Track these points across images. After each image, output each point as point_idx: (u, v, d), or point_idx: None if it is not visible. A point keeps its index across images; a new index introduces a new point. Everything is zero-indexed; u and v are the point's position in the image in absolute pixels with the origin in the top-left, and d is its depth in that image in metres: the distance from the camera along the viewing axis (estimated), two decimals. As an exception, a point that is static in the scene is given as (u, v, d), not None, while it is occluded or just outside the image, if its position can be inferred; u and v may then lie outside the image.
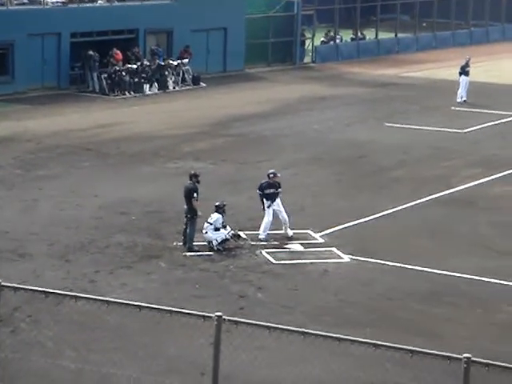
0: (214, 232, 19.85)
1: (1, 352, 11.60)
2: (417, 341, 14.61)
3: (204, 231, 19.96)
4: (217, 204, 20.28)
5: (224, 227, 19.93)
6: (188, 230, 19.80)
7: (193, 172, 20.51)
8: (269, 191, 20.84)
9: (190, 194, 19.89)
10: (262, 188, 20.89)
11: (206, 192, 20.67)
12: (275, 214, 20.77)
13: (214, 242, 19.73)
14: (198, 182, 20.18)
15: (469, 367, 9.89)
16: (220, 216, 20.02)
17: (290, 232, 20.87)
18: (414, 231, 21.78)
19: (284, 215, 20.82)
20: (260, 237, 20.58)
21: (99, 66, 38.85)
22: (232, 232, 19.98)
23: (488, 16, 58.87)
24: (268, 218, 20.72)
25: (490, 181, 26.50)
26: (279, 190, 20.96)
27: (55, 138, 30.36)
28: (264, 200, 20.81)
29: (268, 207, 20.73)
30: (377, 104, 38.09)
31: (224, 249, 19.74)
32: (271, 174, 21.09)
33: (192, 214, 19.79)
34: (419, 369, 11.64)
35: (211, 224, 19.88)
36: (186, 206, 19.97)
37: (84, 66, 39.22)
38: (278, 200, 20.90)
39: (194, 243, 19.79)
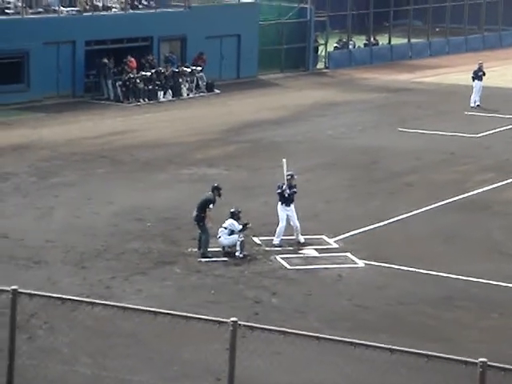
0: (227, 236, 19.94)
1: (17, 359, 11.70)
2: (431, 345, 14.60)
3: (218, 236, 20.06)
4: (232, 210, 20.38)
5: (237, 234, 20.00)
6: (203, 237, 19.90)
7: (216, 184, 20.55)
8: (287, 193, 20.85)
9: (205, 205, 19.97)
10: (279, 188, 20.89)
11: (220, 198, 20.74)
12: (288, 220, 20.82)
13: (237, 253, 19.77)
14: (220, 195, 20.28)
15: (485, 371, 9.92)
16: (235, 222, 20.11)
17: (302, 238, 20.92)
18: (428, 236, 21.80)
19: (296, 222, 20.86)
20: (274, 242, 20.66)
21: (114, 73, 39.05)
22: (241, 227, 19.99)
23: (501, 21, 58.78)
24: (282, 223, 20.79)
25: (503, 185, 26.50)
26: (294, 190, 20.94)
27: (70, 146, 30.53)
28: (279, 203, 20.84)
29: (280, 209, 20.76)
30: (390, 109, 38.12)
31: (246, 254, 19.77)
32: (289, 175, 21.07)
33: (202, 222, 19.87)
34: (434, 373, 11.67)
35: (225, 229, 19.98)
36: (195, 213, 20.05)
37: (99, 73, 39.42)
38: (292, 206, 20.95)
39: (209, 249, 19.88)
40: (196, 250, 20.02)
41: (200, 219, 19.97)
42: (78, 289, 17.63)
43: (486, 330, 16.49)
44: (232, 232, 19.95)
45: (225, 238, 20.01)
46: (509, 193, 25.84)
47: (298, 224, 20.89)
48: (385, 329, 16.24)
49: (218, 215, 20.21)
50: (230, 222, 20.06)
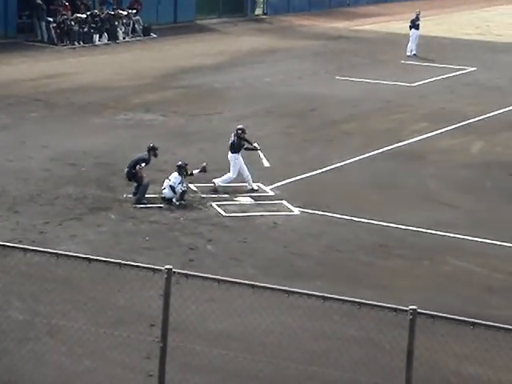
0: (171, 191, 19.70)
1: None
2: (365, 292, 14.82)
3: (163, 187, 19.80)
4: (178, 164, 20.03)
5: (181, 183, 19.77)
6: (140, 187, 19.68)
7: (151, 145, 20.23)
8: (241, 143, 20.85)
9: (137, 162, 19.75)
10: (238, 147, 20.78)
11: (156, 144, 20.55)
12: (240, 171, 20.67)
13: (174, 199, 19.63)
14: (156, 155, 20.05)
15: (415, 318, 10.07)
16: (178, 176, 19.82)
17: (255, 185, 20.84)
18: (363, 185, 21.97)
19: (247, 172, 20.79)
20: (218, 183, 20.61)
21: (47, 14, 38.22)
22: (194, 172, 19.97)
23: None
24: (233, 175, 20.68)
25: (437, 134, 26.78)
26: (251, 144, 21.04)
27: (3, 88, 29.90)
28: (231, 152, 20.75)
29: (240, 160, 20.65)
30: (328, 57, 38.10)
31: (184, 201, 19.65)
32: (240, 129, 21.05)
33: (134, 178, 19.67)
34: (367, 320, 11.83)
35: (170, 180, 19.72)
36: (126, 169, 19.83)
37: (32, 14, 38.56)
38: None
39: (145, 195, 19.74)
40: (131, 195, 19.86)
41: (131, 175, 19.78)
42: (10, 234, 17.40)
43: (418, 278, 16.76)
44: (173, 188, 19.72)
45: (169, 191, 19.76)
46: (443, 142, 26.13)
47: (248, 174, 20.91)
48: (320, 276, 16.39)
49: (158, 164, 19.98)
50: (175, 176, 19.76)
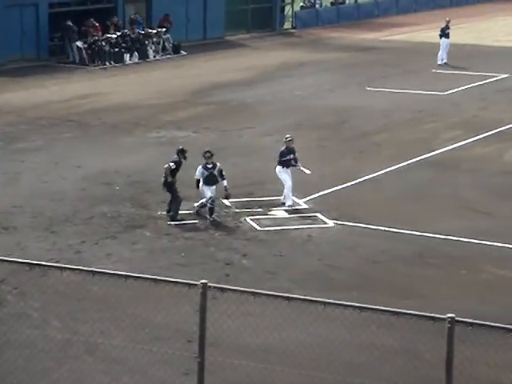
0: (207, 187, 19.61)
1: (-12, 325, 11.64)
2: (403, 303, 14.73)
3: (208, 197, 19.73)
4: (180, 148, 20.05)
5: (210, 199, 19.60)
6: (173, 201, 19.75)
7: (181, 147, 20.33)
8: (289, 157, 20.64)
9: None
10: (283, 155, 20.61)
11: (189, 160, 20.62)
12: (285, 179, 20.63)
13: (207, 215, 19.62)
14: (185, 158, 20.09)
15: (453, 327, 9.98)
16: (199, 168, 19.61)
17: (290, 202, 20.59)
18: (398, 195, 21.87)
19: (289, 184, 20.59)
20: (288, 204, 20.43)
21: (79, 36, 38.58)
22: (213, 199, 19.70)
23: (468, -23, 58.79)
24: (287, 183, 20.58)
25: (470, 142, 26.61)
26: (296, 154, 20.82)
27: (36, 110, 30.20)
28: (279, 166, 20.60)
29: (284, 173, 20.52)
30: (358, 68, 38.05)
31: (213, 218, 19.60)
32: (288, 138, 20.87)
33: (167, 187, 19.74)
34: (405, 330, 11.75)
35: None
36: (162, 179, 19.90)
37: (63, 36, 38.95)
38: (295, 168, 20.78)
39: (179, 212, 19.78)
40: (165, 212, 19.92)
41: (166, 185, 19.83)
42: (47, 254, 17.52)
43: (456, 286, 16.62)
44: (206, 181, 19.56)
45: (207, 189, 19.61)
46: (476, 149, 25.96)
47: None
48: (356, 287, 16.30)
49: (191, 181, 19.98)
50: (197, 171, 19.68)
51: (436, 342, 10.92)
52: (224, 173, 19.77)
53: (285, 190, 20.69)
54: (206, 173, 19.62)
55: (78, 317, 14.46)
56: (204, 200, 19.68)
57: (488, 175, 23.45)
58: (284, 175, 20.70)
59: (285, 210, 20.50)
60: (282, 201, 20.78)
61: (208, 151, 19.81)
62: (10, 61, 37.27)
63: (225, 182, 19.76)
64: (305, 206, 20.81)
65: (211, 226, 19.44)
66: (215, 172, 19.66)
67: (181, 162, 20.00)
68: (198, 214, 19.86)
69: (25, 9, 37.98)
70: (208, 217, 19.61)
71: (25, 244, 18.24)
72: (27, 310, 14.74)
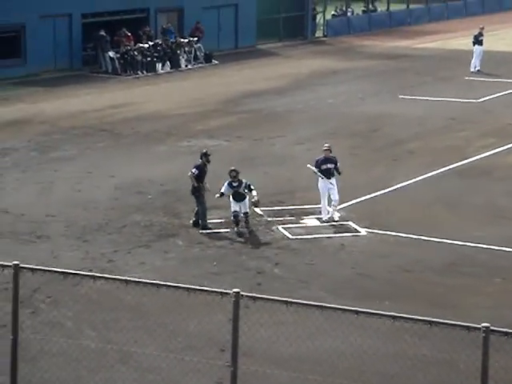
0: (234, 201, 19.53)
1: (22, 333, 11.70)
2: (436, 312, 14.60)
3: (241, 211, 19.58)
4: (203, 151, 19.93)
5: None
6: (199, 209, 19.79)
7: (204, 151, 20.40)
8: (325, 166, 20.17)
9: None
10: (317, 165, 20.16)
11: (221, 170, 20.66)
12: (328, 192, 20.11)
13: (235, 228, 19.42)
14: (208, 161, 20.07)
15: (488, 336, 9.88)
16: (226, 185, 19.46)
17: (337, 215, 20.20)
18: (430, 203, 21.73)
19: (336, 195, 20.08)
20: (324, 219, 20.09)
21: (111, 46, 38.85)
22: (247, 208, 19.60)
23: (500, -16, 58.45)
24: (323, 199, 20.12)
25: (505, 150, 26.40)
26: (338, 165, 20.26)
27: (69, 120, 30.43)
28: (319, 176, 20.12)
29: (321, 183, 20.01)
30: (390, 76, 37.94)
31: (239, 230, 19.34)
32: (325, 147, 20.42)
33: (198, 193, 19.77)
34: (438, 339, 11.66)
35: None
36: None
37: (96, 46, 39.23)
38: (333, 179, 20.17)
39: (209, 221, 19.80)
40: (191, 222, 19.87)
41: (194, 190, 19.87)
42: (80, 263, 17.60)
43: (490, 296, 16.47)
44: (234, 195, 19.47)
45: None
46: (510, 157, 25.74)
47: (337, 197, 20.07)
48: (389, 296, 16.21)
49: (217, 187, 20.03)
50: (223, 187, 19.58)
51: (471, 352, 10.84)
52: (252, 186, 19.55)
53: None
54: (231, 191, 19.53)
55: (111, 326, 14.52)
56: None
57: (522, 183, 23.25)
58: (320, 185, 20.20)
59: (317, 219, 20.43)
60: (331, 216, 20.14)
61: (234, 170, 19.59)
62: (43, 71, 37.60)
63: (254, 193, 19.58)
64: (337, 215, 20.72)
65: (243, 235, 19.41)
66: (241, 190, 19.49)
67: (205, 165, 19.99)
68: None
69: (58, 19, 38.32)
70: (234, 228, 19.44)
71: (58, 253, 18.35)
72: (61, 318, 14.82)
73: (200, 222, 19.74)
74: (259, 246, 18.90)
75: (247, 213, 19.53)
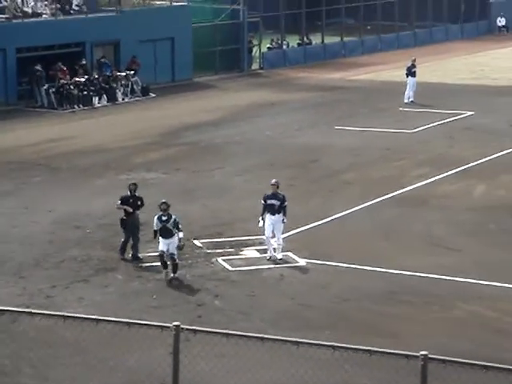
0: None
1: (-42, 373, 11.48)
2: (375, 341, 14.74)
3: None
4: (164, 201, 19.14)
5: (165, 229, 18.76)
6: (134, 241, 19.85)
7: (130, 182, 20.82)
8: (270, 202, 19.76)
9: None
10: (264, 198, 19.78)
11: (159, 202, 20.58)
12: (273, 230, 19.61)
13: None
14: (135, 190, 20.17)
15: (426, 364, 10.02)
16: (155, 219, 18.81)
17: (280, 255, 19.73)
18: (368, 232, 21.97)
19: (279, 236, 19.64)
20: (267, 257, 19.63)
21: (47, 80, 38.59)
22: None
23: (431, 17, 59.61)
24: (267, 234, 19.66)
25: (439, 179, 26.85)
26: (285, 203, 19.73)
27: (5, 155, 30.09)
28: (264, 211, 19.68)
29: (262, 219, 19.62)
30: (326, 108, 38.36)
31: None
32: (273, 183, 19.97)
33: (121, 225, 19.97)
34: (378, 368, 11.75)
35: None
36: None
37: (31, 81, 38.92)
38: (278, 216, 19.62)
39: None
40: (130, 255, 19.84)
41: (121, 222, 20.01)
42: (17, 299, 17.36)
43: (428, 324, 16.67)
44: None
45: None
46: (444, 187, 26.18)
47: (281, 240, 19.61)
48: (329, 326, 16.31)
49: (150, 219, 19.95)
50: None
51: (410, 381, 10.94)
52: (180, 225, 18.79)
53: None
54: (160, 225, 18.81)
55: (50, 362, 14.32)
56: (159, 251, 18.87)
57: (457, 212, 23.65)
58: (266, 223, 19.67)
59: (256, 250, 20.49)
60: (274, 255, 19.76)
61: (164, 202, 18.88)
62: (-23, 106, 37.17)
63: (180, 234, 18.70)
64: (280, 256, 20.68)
65: (183, 267, 19.34)
66: (169, 225, 18.68)
67: (130, 197, 20.02)
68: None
69: (-8, 53, 37.98)
70: (162, 272, 18.77)
71: (-5, 290, 18.07)
72: (-2, 356, 14.58)
73: (132, 251, 19.72)
74: (199, 278, 18.86)
75: (174, 255, 18.62)
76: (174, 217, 18.90)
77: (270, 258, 19.83)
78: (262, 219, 19.76)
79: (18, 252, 20.36)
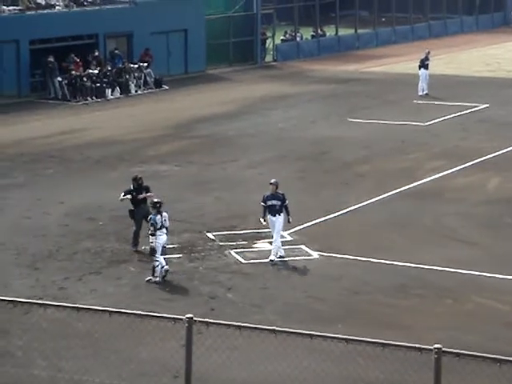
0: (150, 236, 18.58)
1: (-29, 364, 11.52)
2: (387, 334, 14.69)
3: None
4: (155, 201, 18.70)
5: (160, 228, 18.32)
6: (139, 231, 19.95)
7: (134, 175, 20.65)
8: (270, 203, 19.32)
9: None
10: (264, 200, 19.40)
11: (172, 194, 20.62)
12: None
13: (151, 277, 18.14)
14: (138, 184, 20.09)
15: (440, 357, 9.97)
16: (156, 217, 18.34)
17: (273, 257, 19.26)
18: (381, 225, 21.90)
19: (277, 238, 19.19)
20: (270, 258, 19.25)
21: (60, 72, 38.62)
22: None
23: (446, 9, 59.35)
24: (273, 236, 19.33)
25: (453, 172, 26.73)
26: (286, 202, 19.37)
27: (18, 147, 30.14)
28: (266, 212, 19.31)
29: (264, 220, 19.31)
30: (339, 100, 38.25)
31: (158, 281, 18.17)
32: (271, 183, 19.53)
33: (130, 215, 20.05)
34: (391, 361, 11.71)
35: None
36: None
37: (44, 72, 38.96)
38: (278, 216, 19.28)
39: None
40: (148, 247, 19.82)
41: (129, 213, 20.10)
42: (30, 291, 17.40)
43: (441, 317, 16.61)
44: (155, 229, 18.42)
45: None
46: (459, 179, 26.07)
47: (278, 242, 19.17)
48: (341, 319, 16.27)
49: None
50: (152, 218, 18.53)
51: (423, 373, 10.90)
52: (167, 224, 18.28)
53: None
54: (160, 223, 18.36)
55: (63, 354, 14.34)
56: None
57: (471, 205, 23.54)
58: (270, 224, 19.44)
59: (269, 243, 20.45)
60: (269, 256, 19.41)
61: (157, 201, 18.39)
62: (-10, 98, 37.24)
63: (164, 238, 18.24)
64: (289, 238, 20.77)
65: (195, 260, 19.34)
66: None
67: (134, 190, 19.99)
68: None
69: (5, 45, 37.99)
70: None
71: (8, 281, 18.12)
72: (11, 348, 14.61)
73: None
74: (212, 270, 18.85)
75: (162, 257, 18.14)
76: (165, 214, 18.43)
77: (272, 259, 19.34)
78: (265, 221, 19.52)
79: (32, 244, 20.39)
